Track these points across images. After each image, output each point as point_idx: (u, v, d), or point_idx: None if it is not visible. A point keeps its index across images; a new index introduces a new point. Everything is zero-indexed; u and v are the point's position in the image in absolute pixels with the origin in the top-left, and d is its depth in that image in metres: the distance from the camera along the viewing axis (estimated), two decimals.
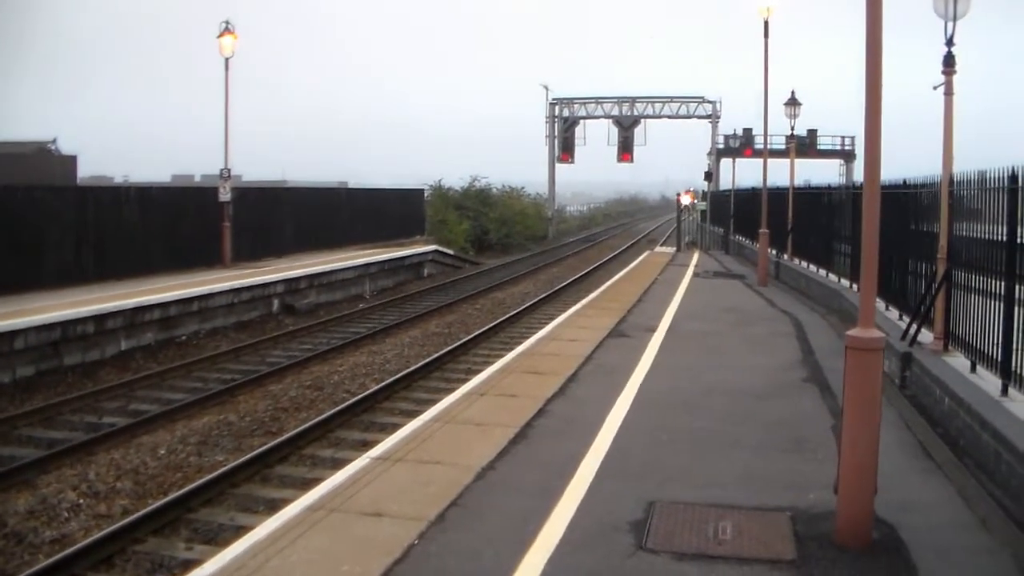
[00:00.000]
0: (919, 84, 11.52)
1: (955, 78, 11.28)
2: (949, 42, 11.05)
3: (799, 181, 27.98)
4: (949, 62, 11.18)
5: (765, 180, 27.53)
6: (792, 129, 28.41)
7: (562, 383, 11.84)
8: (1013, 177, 9.09)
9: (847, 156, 66.04)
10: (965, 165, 11.07)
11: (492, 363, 14.03)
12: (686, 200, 50.81)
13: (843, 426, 6.47)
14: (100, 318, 18.03)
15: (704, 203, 50.29)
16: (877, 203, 6.48)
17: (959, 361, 10.70)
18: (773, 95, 28.18)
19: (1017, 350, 8.74)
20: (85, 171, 49.31)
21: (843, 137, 67.24)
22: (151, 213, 26.10)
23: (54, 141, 40.40)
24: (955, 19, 10.86)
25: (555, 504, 7.19)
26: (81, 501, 10.30)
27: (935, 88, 11.44)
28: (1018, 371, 8.71)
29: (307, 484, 9.59)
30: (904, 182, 14.04)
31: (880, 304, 15.12)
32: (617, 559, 6.18)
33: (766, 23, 25.51)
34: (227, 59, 28.13)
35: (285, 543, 6.44)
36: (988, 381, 9.51)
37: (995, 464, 7.83)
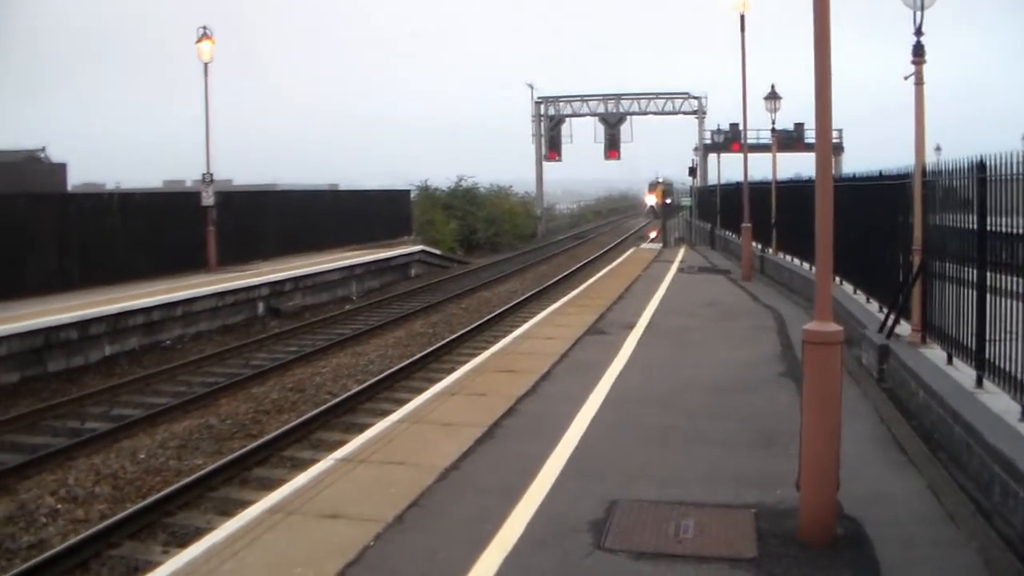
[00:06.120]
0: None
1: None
2: (918, 31, 10.98)
3: (789, 175, 27.97)
4: (918, 52, 11.10)
5: (746, 175, 27.57)
6: (773, 123, 28.32)
7: (534, 381, 11.81)
8: (981, 166, 9.05)
9: (834, 149, 65.98)
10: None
11: None
12: (651, 200, 49.08)
13: (803, 421, 6.41)
14: (84, 324, 18.00)
15: (689, 199, 50.05)
16: (830, 196, 6.45)
17: (936, 353, 10.64)
18: (759, 90, 28.23)
19: (991, 340, 8.69)
20: (77, 178, 49.17)
21: None
22: (135, 219, 26.06)
23: (43, 149, 40.22)
24: (923, 8, 10.80)
25: (516, 504, 7.15)
26: (59, 506, 10.29)
27: (906, 78, 11.38)
28: (992, 361, 8.65)
29: None
30: (880, 173, 14.00)
31: (861, 297, 15.11)
32: (573, 559, 6.14)
33: (742, 17, 25.63)
34: (206, 64, 28.13)
35: (241, 545, 6.41)
36: (964, 373, 9.45)
37: (967, 457, 7.78)
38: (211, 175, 28.25)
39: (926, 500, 7.32)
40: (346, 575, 5.91)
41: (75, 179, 45.86)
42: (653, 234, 51.39)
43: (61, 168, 38.00)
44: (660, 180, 52.01)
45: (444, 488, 7.65)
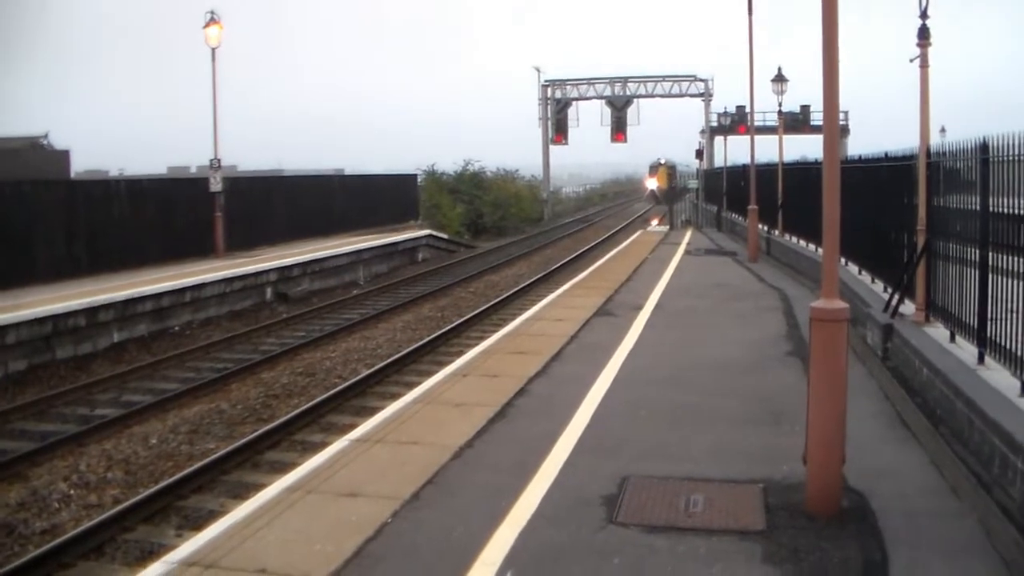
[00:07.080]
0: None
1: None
2: (923, 14, 11.02)
3: (795, 157, 28.00)
4: (923, 34, 11.14)
5: (752, 156, 27.60)
6: (780, 105, 28.39)
7: (545, 362, 11.94)
8: (984, 147, 9.13)
9: (840, 131, 65.42)
10: None
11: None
12: (652, 184, 47.93)
13: (809, 397, 6.55)
14: (92, 311, 18.08)
15: (695, 182, 49.85)
16: (837, 175, 6.58)
17: (939, 332, 10.73)
18: (766, 72, 28.34)
19: (993, 318, 8.79)
20: (80, 165, 49.12)
21: None
22: (143, 205, 26.15)
23: (46, 136, 40.11)
24: None
25: (529, 481, 7.29)
26: (72, 492, 10.38)
27: (911, 61, 11.44)
28: (993, 338, 8.75)
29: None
30: (885, 155, 14.07)
31: (866, 277, 15.20)
32: (587, 533, 6.28)
33: None
34: (213, 49, 28.06)
35: (261, 524, 6.54)
36: (966, 350, 9.54)
37: (968, 431, 7.89)
38: (219, 161, 28.27)
39: (929, 473, 7.48)
40: (365, 550, 6.04)
41: (78, 166, 45.82)
42: (655, 221, 50.31)
43: (64, 155, 37.94)
44: (662, 162, 50.84)
45: (459, 466, 7.78)
